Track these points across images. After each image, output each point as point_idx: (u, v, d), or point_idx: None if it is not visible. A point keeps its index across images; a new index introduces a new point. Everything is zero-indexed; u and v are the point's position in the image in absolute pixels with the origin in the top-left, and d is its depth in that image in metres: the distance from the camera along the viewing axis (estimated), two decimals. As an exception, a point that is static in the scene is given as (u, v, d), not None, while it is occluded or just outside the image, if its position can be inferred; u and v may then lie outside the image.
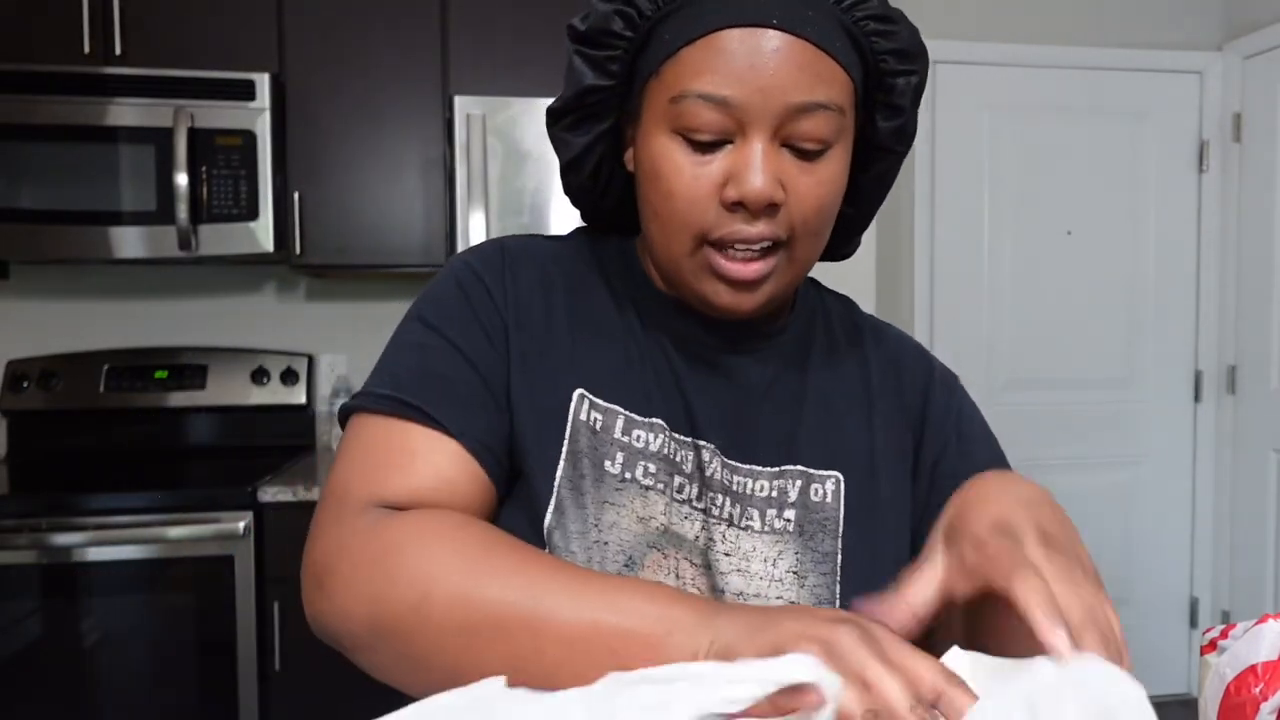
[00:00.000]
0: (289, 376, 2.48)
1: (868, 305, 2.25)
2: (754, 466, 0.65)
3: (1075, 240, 2.84)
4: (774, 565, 0.62)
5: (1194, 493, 2.95)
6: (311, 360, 2.55)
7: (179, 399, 2.42)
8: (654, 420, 0.63)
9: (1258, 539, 2.79)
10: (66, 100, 2.08)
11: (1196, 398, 2.94)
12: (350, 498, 0.58)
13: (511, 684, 0.42)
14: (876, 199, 0.71)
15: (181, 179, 2.07)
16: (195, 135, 2.11)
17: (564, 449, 0.61)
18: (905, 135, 0.66)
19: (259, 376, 2.46)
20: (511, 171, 2.07)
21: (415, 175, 2.30)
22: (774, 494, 0.64)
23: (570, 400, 0.62)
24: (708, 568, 0.60)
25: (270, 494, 1.92)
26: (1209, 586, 2.95)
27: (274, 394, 2.46)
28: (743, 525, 0.62)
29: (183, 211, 2.08)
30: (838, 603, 0.62)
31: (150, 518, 1.88)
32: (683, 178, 0.59)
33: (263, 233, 2.16)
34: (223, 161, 2.13)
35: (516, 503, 0.62)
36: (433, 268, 2.31)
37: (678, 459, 0.62)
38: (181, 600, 1.91)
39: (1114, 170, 2.86)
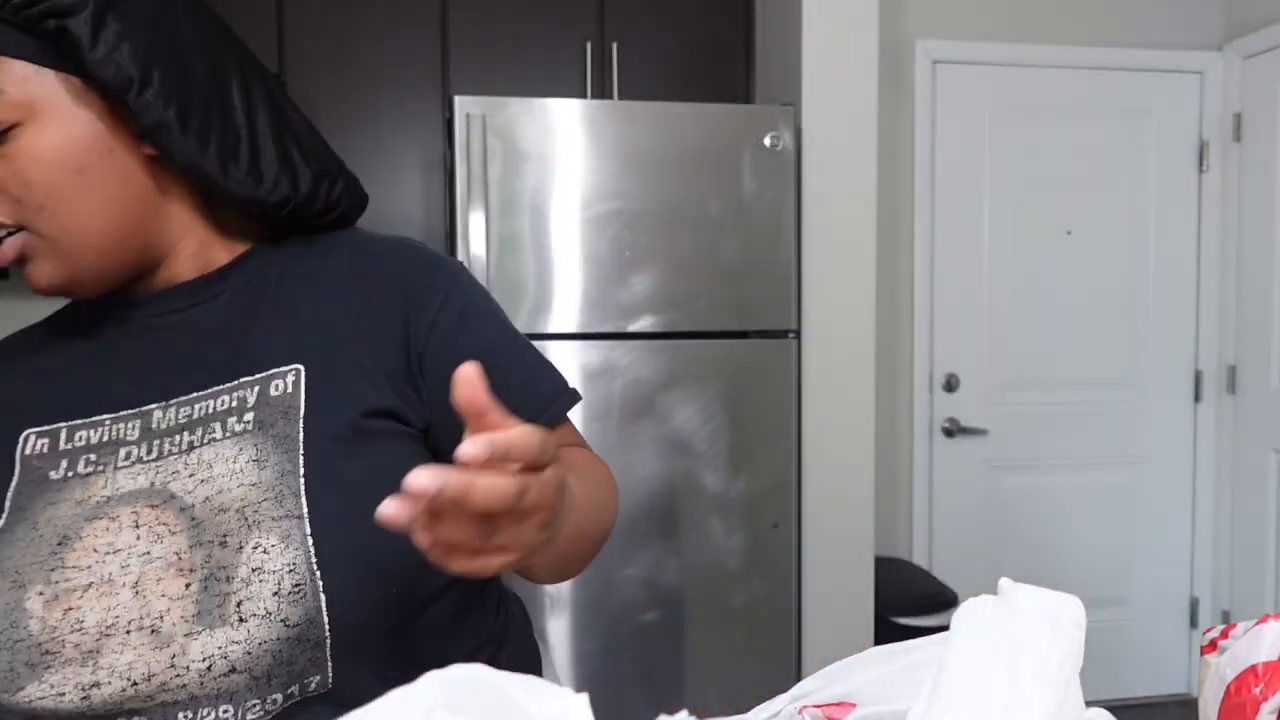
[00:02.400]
0: (289, 376, 2.48)
1: (867, 304, 2.24)
2: (213, 388, 0.71)
3: (1075, 240, 2.85)
4: (234, 462, 0.67)
5: (1194, 493, 2.95)
6: (311, 360, 2.55)
7: (179, 399, 2.42)
8: (93, 418, 0.71)
9: (1258, 539, 2.79)
10: (66, 100, 2.08)
11: (1196, 398, 2.94)
12: None
13: None
14: (175, 128, 0.69)
15: (181, 179, 2.07)
16: (195, 135, 2.10)
17: (14, 481, 0.69)
18: (98, 66, 0.65)
19: (259, 376, 2.46)
20: (511, 171, 2.07)
21: (415, 175, 2.31)
22: (234, 404, 0.70)
23: (18, 442, 0.71)
24: (171, 498, 0.66)
25: (270, 494, 1.92)
26: (1209, 586, 2.95)
27: (274, 394, 2.46)
28: (206, 442, 0.69)
29: (182, 211, 2.08)
30: (301, 475, 0.67)
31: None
32: None
33: (263, 233, 2.16)
34: (223, 161, 2.13)
35: None
36: (433, 268, 2.31)
37: (120, 435, 0.70)
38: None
39: (1114, 170, 2.86)
